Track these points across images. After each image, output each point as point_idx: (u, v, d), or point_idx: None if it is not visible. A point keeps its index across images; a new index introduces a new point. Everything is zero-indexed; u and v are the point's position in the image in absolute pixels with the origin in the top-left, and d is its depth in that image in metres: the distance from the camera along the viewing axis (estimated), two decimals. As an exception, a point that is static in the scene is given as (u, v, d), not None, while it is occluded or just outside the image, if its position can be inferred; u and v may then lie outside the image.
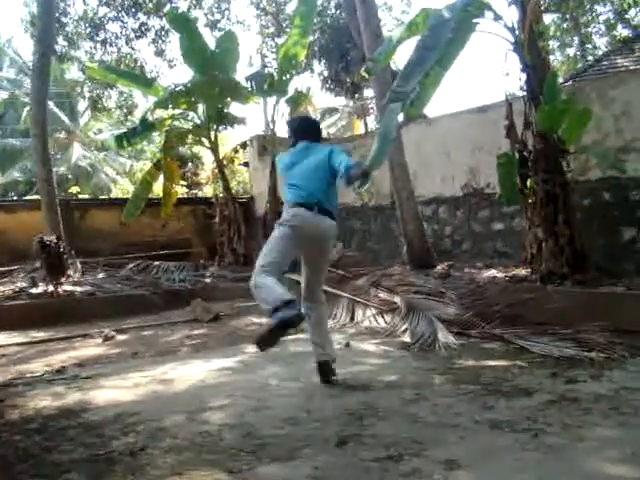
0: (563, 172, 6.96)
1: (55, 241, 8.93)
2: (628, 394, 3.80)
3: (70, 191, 21.06)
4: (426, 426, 3.41)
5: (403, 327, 6.22)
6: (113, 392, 4.56)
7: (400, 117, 6.38)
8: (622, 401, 3.68)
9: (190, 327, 7.50)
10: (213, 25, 17.78)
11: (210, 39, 14.60)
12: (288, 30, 13.17)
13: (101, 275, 10.50)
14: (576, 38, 21.71)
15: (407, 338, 5.91)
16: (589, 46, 22.35)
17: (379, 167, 4.84)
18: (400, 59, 15.75)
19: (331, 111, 28.95)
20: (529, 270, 7.12)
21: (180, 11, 13.90)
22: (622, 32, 19.32)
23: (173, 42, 16.99)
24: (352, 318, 7.02)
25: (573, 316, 5.53)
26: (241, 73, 20.91)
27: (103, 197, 24.12)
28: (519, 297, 6.23)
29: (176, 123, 12.63)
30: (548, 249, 6.79)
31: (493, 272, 7.83)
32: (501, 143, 7.72)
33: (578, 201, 7.53)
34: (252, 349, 5.96)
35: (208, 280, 10.67)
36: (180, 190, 16.58)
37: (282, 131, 12.17)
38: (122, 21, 16.54)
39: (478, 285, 6.86)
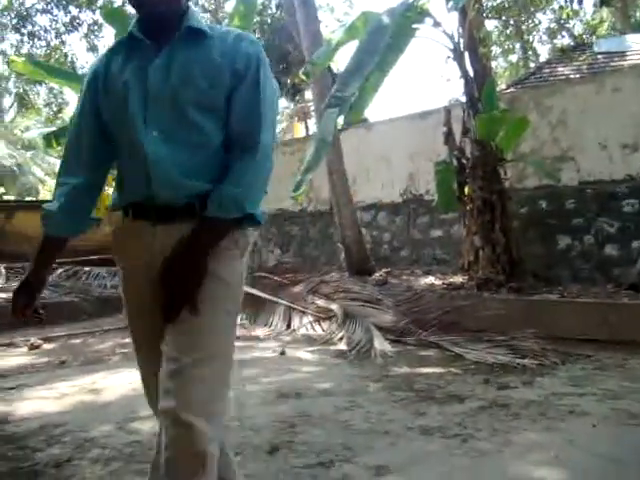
0: (500, 180, 7.05)
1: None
2: (556, 399, 3.85)
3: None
4: (358, 433, 3.37)
5: (339, 334, 6.16)
6: (38, 403, 4.35)
7: (340, 121, 6.37)
8: (550, 406, 3.73)
9: (122, 335, 7.21)
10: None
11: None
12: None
13: (27, 281, 10.11)
14: (518, 45, 22.05)
15: (343, 346, 5.86)
16: (531, 53, 22.77)
17: (315, 171, 4.79)
18: (341, 61, 15.66)
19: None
20: (466, 277, 7.16)
21: (115, 5, 13.55)
22: (562, 41, 19.72)
23: (107, 37, 16.54)
24: (288, 326, 6.92)
25: (508, 323, 5.58)
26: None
27: (30, 199, 23.33)
28: (456, 304, 6.25)
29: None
30: (485, 256, 6.86)
31: (431, 279, 7.85)
32: (440, 150, 7.76)
33: (515, 209, 7.61)
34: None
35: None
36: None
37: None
38: (51, 14, 15.91)
39: (415, 292, 6.86)
